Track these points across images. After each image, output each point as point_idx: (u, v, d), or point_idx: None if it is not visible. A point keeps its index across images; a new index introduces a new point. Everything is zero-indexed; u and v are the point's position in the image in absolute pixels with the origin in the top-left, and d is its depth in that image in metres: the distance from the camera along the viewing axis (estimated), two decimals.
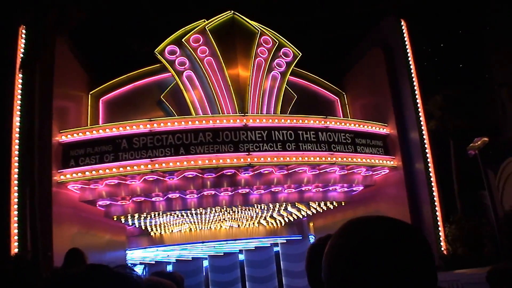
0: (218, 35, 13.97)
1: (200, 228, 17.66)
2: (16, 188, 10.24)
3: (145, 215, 13.69)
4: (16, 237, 9.88)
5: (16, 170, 10.34)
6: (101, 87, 14.10)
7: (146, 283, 2.75)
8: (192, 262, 20.87)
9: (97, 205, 12.75)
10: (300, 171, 12.66)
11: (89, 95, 14.01)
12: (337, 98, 16.32)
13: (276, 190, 13.43)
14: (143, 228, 16.21)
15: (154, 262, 20.89)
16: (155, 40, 14.08)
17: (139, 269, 22.09)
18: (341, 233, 1.27)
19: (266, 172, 12.38)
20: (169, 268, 21.65)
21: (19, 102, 10.68)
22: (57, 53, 11.82)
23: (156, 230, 16.79)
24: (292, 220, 18.11)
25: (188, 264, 20.84)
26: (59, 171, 11.43)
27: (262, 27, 14.50)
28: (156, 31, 14.61)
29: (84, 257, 6.11)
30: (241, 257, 21.20)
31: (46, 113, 11.26)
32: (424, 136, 13.37)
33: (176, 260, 21.09)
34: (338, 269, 1.20)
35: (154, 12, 15.84)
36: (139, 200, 12.72)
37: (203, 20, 14.18)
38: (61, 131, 11.73)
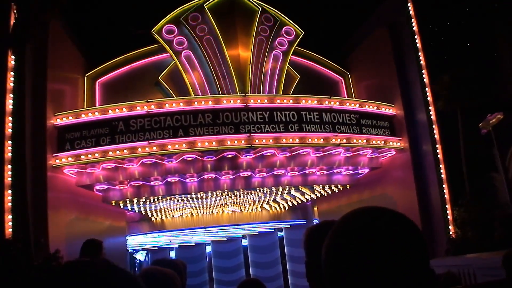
0: (217, 13, 13.48)
1: (202, 213, 17.32)
2: (9, 173, 9.83)
3: (144, 200, 13.33)
4: (10, 223, 9.52)
5: (10, 154, 9.94)
6: (98, 69, 13.67)
7: (148, 273, 2.77)
8: (195, 248, 20.59)
9: (94, 190, 12.39)
10: (304, 153, 12.24)
11: (86, 77, 13.59)
12: (341, 78, 15.81)
13: (279, 173, 13.03)
14: (144, 213, 15.89)
15: (156, 248, 20.64)
16: (152, 21, 13.58)
17: (141, 255, 21.90)
18: (339, 224, 1.30)
19: (268, 154, 11.97)
20: (172, 254, 21.41)
21: (11, 84, 10.24)
22: (51, 35, 11.40)
23: (157, 216, 16.47)
24: (296, 205, 17.74)
25: (191, 250, 20.57)
26: (54, 155, 11.06)
27: (263, 4, 13.98)
28: (154, 11, 14.09)
29: (101, 247, 5.90)
30: (245, 242, 20.91)
31: (40, 96, 10.87)
32: (431, 117, 12.89)
33: (178, 246, 20.81)
34: (335, 261, 1.23)
35: None
36: (137, 184, 12.35)
37: None
38: (56, 114, 11.34)
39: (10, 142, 9.81)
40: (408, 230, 1.25)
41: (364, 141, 12.50)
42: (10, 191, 9.56)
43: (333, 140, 12.02)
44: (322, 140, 11.95)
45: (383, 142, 12.89)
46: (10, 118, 10.02)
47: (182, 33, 13.41)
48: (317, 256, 1.44)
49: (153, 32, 13.28)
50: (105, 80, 13.72)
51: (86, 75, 13.59)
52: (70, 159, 11.11)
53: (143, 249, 21.21)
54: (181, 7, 13.54)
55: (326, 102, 12.32)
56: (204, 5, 13.47)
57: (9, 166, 9.73)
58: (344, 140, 12.17)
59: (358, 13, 15.93)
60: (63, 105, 11.98)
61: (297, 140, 11.70)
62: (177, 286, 2.81)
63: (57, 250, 8.73)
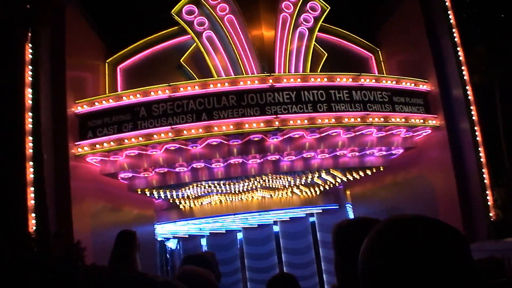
0: None
1: (231, 199, 16.93)
2: (31, 169, 9.53)
3: (170, 187, 12.99)
4: (33, 214, 9.27)
5: (31, 144, 9.67)
6: (118, 54, 13.32)
7: (182, 275, 2.84)
8: (226, 235, 20.28)
9: (119, 178, 12.12)
10: (334, 134, 11.64)
11: (106, 64, 13.27)
12: (371, 55, 15.05)
13: (309, 156, 12.47)
14: (171, 201, 15.60)
15: (187, 236, 20.43)
16: (172, 2, 13.11)
17: (172, 243, 21.76)
18: (375, 235, 1.28)
19: (296, 136, 11.42)
20: (203, 241, 21.20)
21: (29, 73, 9.96)
22: (69, 21, 11.12)
23: (185, 203, 16.14)
24: (328, 189, 17.15)
25: (222, 237, 20.27)
26: (76, 143, 10.80)
27: None
28: None
29: (135, 238, 5.78)
30: (276, 228, 20.51)
31: (59, 84, 10.63)
32: (468, 92, 12.05)
33: (209, 233, 20.56)
34: (373, 273, 1.20)
35: None
36: (162, 171, 12.01)
37: None
38: (76, 102, 11.06)
39: (30, 138, 9.54)
40: (451, 238, 1.23)
41: (397, 119, 11.81)
42: (32, 188, 9.29)
43: (365, 119, 11.38)
44: (352, 119, 11.32)
45: (417, 120, 12.16)
46: (30, 114, 9.75)
47: (203, 13, 12.90)
48: (348, 256, 1.43)
49: (173, 13, 12.82)
50: (126, 65, 13.38)
51: (107, 61, 13.27)
52: (92, 147, 10.83)
53: (174, 237, 21.03)
54: None
55: (356, 80, 11.66)
56: None
57: (31, 163, 9.45)
58: (376, 119, 11.52)
59: None
60: (85, 92, 11.70)
61: (330, 120, 11.09)
62: (214, 285, 2.89)
63: (78, 241, 8.45)
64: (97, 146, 10.82)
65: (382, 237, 1.26)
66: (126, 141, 10.69)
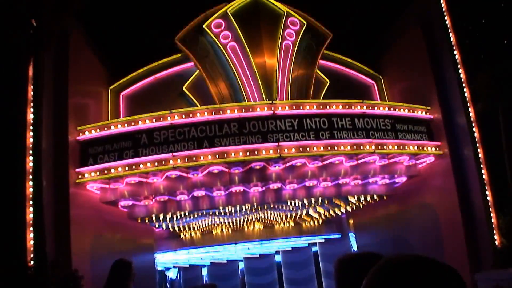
0: (241, 18, 13.00)
1: (233, 228, 16.70)
2: (31, 189, 9.44)
3: (171, 216, 12.82)
4: (32, 242, 9.11)
5: (31, 170, 9.58)
6: (121, 81, 13.36)
7: None
8: (227, 265, 19.97)
9: (119, 206, 11.96)
10: (336, 162, 11.53)
11: (109, 91, 13.29)
12: (373, 82, 15.06)
13: (311, 184, 12.31)
14: (172, 230, 15.38)
15: (188, 266, 20.12)
16: (175, 30, 13.20)
17: (173, 273, 21.43)
18: (373, 277, 1.28)
19: (298, 164, 11.30)
20: (204, 271, 20.88)
21: (31, 97, 9.94)
22: (73, 48, 11.20)
23: (186, 232, 15.93)
24: (330, 218, 16.92)
25: (223, 267, 19.96)
26: (76, 170, 10.70)
27: (288, 7, 13.44)
28: (177, 20, 13.72)
29: (131, 268, 5.70)
30: (278, 258, 20.19)
31: (61, 110, 10.60)
32: (471, 119, 11.97)
33: (210, 263, 20.25)
34: None
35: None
36: (163, 199, 11.86)
37: (225, 3, 13.23)
38: (78, 128, 11.02)
39: (31, 157, 9.44)
40: (449, 280, 1.22)
41: (401, 147, 11.70)
42: (31, 209, 9.16)
43: (368, 147, 11.28)
44: (355, 147, 11.21)
45: (421, 148, 12.05)
46: (31, 134, 9.70)
47: (206, 40, 12.98)
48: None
49: (176, 41, 12.89)
50: (129, 92, 13.40)
51: (110, 88, 13.30)
52: (93, 174, 10.73)
53: (174, 267, 20.72)
54: (204, 13, 13.15)
55: (359, 107, 11.60)
56: (228, 10, 13.02)
57: (31, 183, 9.35)
58: (379, 147, 11.41)
59: (388, 14, 15.17)
60: (87, 119, 11.67)
61: (329, 148, 10.99)
62: None
63: (75, 270, 8.29)
64: (98, 173, 10.71)
65: (379, 280, 1.26)
66: (127, 168, 10.59)
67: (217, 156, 10.52)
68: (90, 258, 10.73)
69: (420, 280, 1.19)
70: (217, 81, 12.67)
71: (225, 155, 10.54)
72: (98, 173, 10.70)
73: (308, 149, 10.87)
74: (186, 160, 10.49)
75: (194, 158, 10.51)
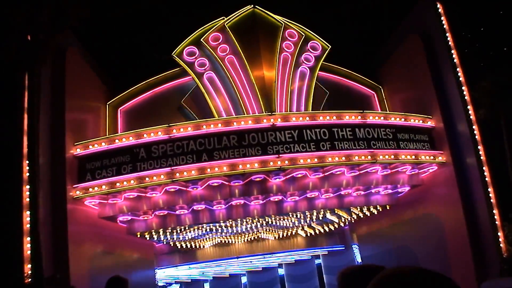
0: (238, 31, 12.95)
1: (234, 242, 16.50)
2: (28, 213, 9.30)
3: (171, 230, 12.65)
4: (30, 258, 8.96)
5: (27, 186, 9.46)
6: (119, 96, 13.27)
7: None
8: (229, 279, 19.77)
9: (118, 221, 11.80)
10: (338, 172, 11.38)
11: (107, 106, 13.19)
12: (373, 92, 14.95)
13: (312, 196, 12.16)
14: (172, 245, 15.19)
15: (190, 281, 19.88)
16: (173, 45, 13.15)
17: None
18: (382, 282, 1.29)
19: (299, 176, 11.16)
20: (206, 286, 20.63)
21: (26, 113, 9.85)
22: (70, 63, 11.15)
23: (187, 247, 15.72)
24: (333, 229, 16.71)
25: (225, 281, 19.76)
26: (74, 186, 10.57)
27: (286, 20, 13.39)
28: (174, 35, 13.70)
29: (126, 286, 5.27)
30: (281, 271, 19.94)
31: (58, 126, 10.51)
32: (473, 127, 11.84)
33: (212, 277, 20.02)
34: None
35: (171, 15, 14.99)
36: (162, 214, 11.71)
37: (222, 17, 13.18)
38: (75, 144, 10.90)
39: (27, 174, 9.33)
40: None
41: (403, 156, 11.55)
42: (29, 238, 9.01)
43: (369, 157, 11.13)
44: (356, 157, 11.07)
45: (423, 157, 11.90)
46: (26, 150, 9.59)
47: (204, 54, 12.93)
48: None
49: (174, 55, 12.83)
50: (127, 107, 13.30)
51: (108, 103, 13.20)
52: (91, 189, 10.59)
53: (176, 282, 20.47)
54: (202, 28, 13.11)
55: (359, 117, 11.48)
56: (225, 24, 12.98)
57: (27, 200, 9.23)
58: (381, 157, 11.27)
59: (387, 24, 15.15)
60: (85, 134, 11.57)
61: (330, 159, 10.85)
62: None
63: (73, 286, 8.12)
64: (96, 188, 10.57)
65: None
66: (125, 183, 10.45)
67: (216, 169, 10.38)
68: (89, 274, 10.56)
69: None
70: (216, 94, 12.57)
71: (225, 168, 10.40)
72: (96, 188, 10.56)
73: (309, 160, 10.73)
74: (185, 174, 10.35)
75: (193, 172, 10.37)
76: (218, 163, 10.39)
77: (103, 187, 10.56)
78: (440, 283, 1.22)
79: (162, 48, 13.80)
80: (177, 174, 10.36)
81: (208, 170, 10.38)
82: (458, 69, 12.29)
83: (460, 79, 12.22)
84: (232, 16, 13.23)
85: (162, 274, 16.73)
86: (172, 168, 10.33)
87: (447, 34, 12.62)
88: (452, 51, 12.45)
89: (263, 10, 13.41)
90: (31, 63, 8.34)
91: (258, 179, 10.90)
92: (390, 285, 1.24)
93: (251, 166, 10.49)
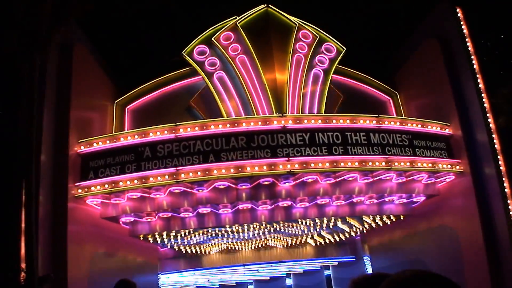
0: (251, 31, 12.58)
1: (241, 249, 16.01)
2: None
3: (175, 234, 12.23)
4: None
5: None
6: (127, 95, 12.96)
7: None
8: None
9: (120, 223, 11.41)
10: (350, 179, 10.89)
11: (115, 104, 12.88)
12: (389, 98, 14.46)
13: (323, 203, 11.67)
14: (177, 249, 14.75)
15: None
16: (184, 44, 12.82)
17: None
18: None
19: (310, 180, 10.68)
20: None
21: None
22: (78, 60, 10.85)
23: (192, 252, 15.27)
24: (344, 239, 16.16)
25: None
26: (76, 184, 10.21)
27: (300, 21, 13.00)
28: (185, 35, 13.38)
29: None
30: (289, 282, 19.39)
31: (62, 123, 10.18)
32: (493, 135, 11.28)
33: (219, 285, 19.53)
34: None
35: (182, 14, 14.70)
36: (166, 216, 11.29)
37: (234, 17, 12.84)
38: (80, 141, 10.56)
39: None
40: None
41: (419, 164, 11.03)
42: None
43: (384, 163, 10.62)
44: (370, 163, 10.57)
45: (440, 165, 11.37)
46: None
47: (215, 53, 12.58)
48: None
49: (184, 54, 12.49)
50: (134, 106, 12.98)
51: (116, 101, 12.89)
52: (93, 188, 10.22)
53: None
54: (213, 27, 12.77)
55: (374, 122, 11.01)
56: (237, 23, 12.62)
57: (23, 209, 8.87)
58: (396, 163, 10.76)
59: (403, 28, 14.70)
60: (91, 133, 11.23)
61: (342, 164, 10.37)
62: None
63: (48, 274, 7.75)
64: (98, 187, 10.20)
65: None
66: (128, 182, 10.07)
67: (223, 171, 9.96)
68: (88, 277, 10.19)
69: None
70: (226, 94, 12.19)
71: (232, 170, 9.97)
72: (98, 187, 10.20)
73: (320, 164, 10.26)
74: (191, 174, 9.94)
75: (199, 173, 9.96)
76: (225, 164, 9.97)
77: (106, 186, 10.19)
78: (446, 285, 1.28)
79: (172, 47, 13.47)
80: (182, 175, 9.95)
81: (215, 171, 9.96)
82: (477, 75, 11.78)
83: (480, 85, 11.70)
84: (245, 16, 12.87)
85: (166, 280, 16.29)
86: (177, 168, 9.92)
87: (467, 39, 12.12)
88: (472, 57, 11.94)
89: (276, 10, 13.03)
90: (32, 55, 8.01)
91: (266, 182, 10.45)
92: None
93: (259, 168, 10.05)
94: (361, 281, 2.05)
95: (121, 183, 10.12)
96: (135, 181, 10.06)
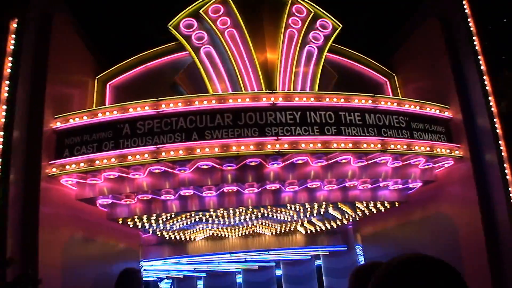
0: (241, 4, 11.83)
1: (227, 236, 15.37)
2: None
3: (156, 218, 11.55)
4: None
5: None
6: (109, 70, 12.21)
7: None
8: (224, 277, 18.68)
9: (97, 205, 10.70)
10: (343, 161, 10.23)
11: (96, 80, 12.13)
12: (386, 80, 13.79)
13: (314, 186, 11.00)
14: (160, 235, 14.07)
15: (182, 277, 18.81)
16: (169, 17, 12.07)
17: (165, 284, 20.17)
18: (381, 277, 1.33)
19: (300, 162, 10.01)
20: (200, 283, 19.54)
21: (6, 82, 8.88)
22: (56, 29, 10.07)
23: (176, 238, 14.58)
24: (335, 227, 15.54)
25: (220, 279, 18.67)
26: (50, 162, 9.49)
27: None
28: (171, 6, 12.63)
29: (140, 280, 5.25)
30: (279, 272, 18.82)
31: (38, 96, 9.43)
32: (494, 120, 10.67)
33: (206, 274, 18.93)
34: None
35: None
36: (146, 198, 10.59)
37: None
38: (56, 117, 9.83)
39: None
40: (453, 280, 1.31)
41: (416, 147, 10.39)
42: None
43: (379, 145, 9.97)
44: (365, 145, 9.91)
45: (438, 149, 10.73)
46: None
47: (203, 27, 11.83)
48: None
49: (170, 27, 11.74)
50: (116, 82, 12.24)
51: (97, 77, 12.14)
52: (68, 167, 9.49)
53: (167, 277, 19.40)
54: None
55: (370, 101, 10.32)
56: None
57: None
58: (392, 146, 10.11)
59: (404, 6, 14.00)
60: (69, 109, 10.44)
61: (335, 144, 9.70)
62: None
63: (28, 271, 7.05)
64: (73, 166, 9.48)
65: (383, 282, 1.32)
66: (105, 161, 9.36)
67: (207, 150, 9.26)
68: (61, 264, 9.50)
69: (421, 277, 1.29)
70: (213, 70, 11.47)
71: (217, 149, 9.28)
72: (73, 165, 9.48)
73: (311, 145, 9.58)
74: (172, 153, 9.24)
75: (181, 152, 9.25)
76: (209, 143, 9.26)
77: (81, 164, 9.46)
78: (444, 269, 1.32)
79: (158, 21, 12.72)
80: (163, 154, 9.24)
81: (198, 150, 9.25)
82: (479, 57, 11.14)
83: (482, 68, 11.07)
84: None
85: (149, 267, 15.63)
86: (158, 146, 9.21)
87: (469, 20, 11.48)
88: (474, 38, 11.31)
89: None
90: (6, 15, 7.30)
91: (253, 163, 9.76)
92: (394, 273, 1.29)
93: (246, 148, 9.35)
94: (362, 271, 2.11)
95: (97, 162, 9.40)
96: (113, 159, 9.34)
